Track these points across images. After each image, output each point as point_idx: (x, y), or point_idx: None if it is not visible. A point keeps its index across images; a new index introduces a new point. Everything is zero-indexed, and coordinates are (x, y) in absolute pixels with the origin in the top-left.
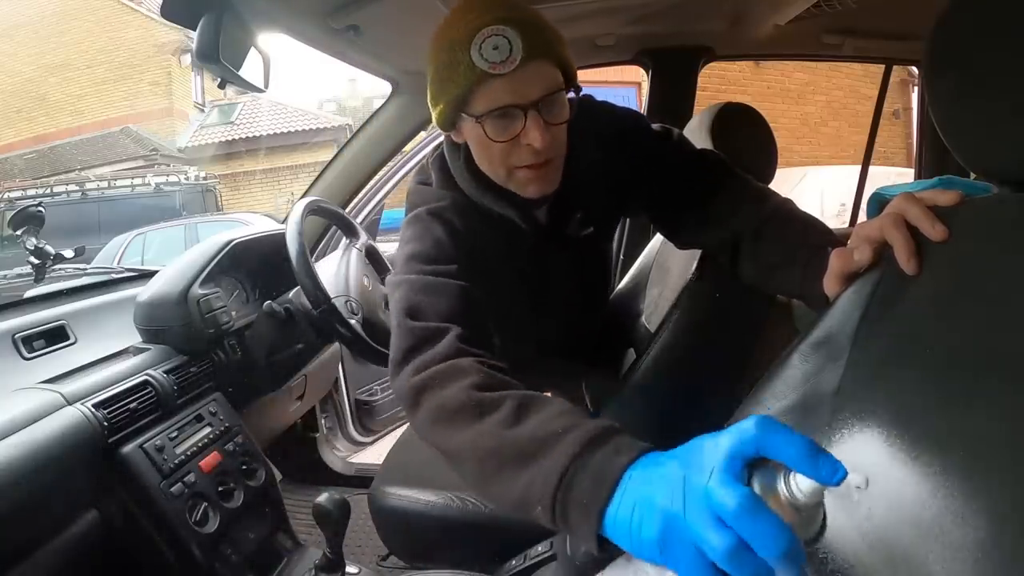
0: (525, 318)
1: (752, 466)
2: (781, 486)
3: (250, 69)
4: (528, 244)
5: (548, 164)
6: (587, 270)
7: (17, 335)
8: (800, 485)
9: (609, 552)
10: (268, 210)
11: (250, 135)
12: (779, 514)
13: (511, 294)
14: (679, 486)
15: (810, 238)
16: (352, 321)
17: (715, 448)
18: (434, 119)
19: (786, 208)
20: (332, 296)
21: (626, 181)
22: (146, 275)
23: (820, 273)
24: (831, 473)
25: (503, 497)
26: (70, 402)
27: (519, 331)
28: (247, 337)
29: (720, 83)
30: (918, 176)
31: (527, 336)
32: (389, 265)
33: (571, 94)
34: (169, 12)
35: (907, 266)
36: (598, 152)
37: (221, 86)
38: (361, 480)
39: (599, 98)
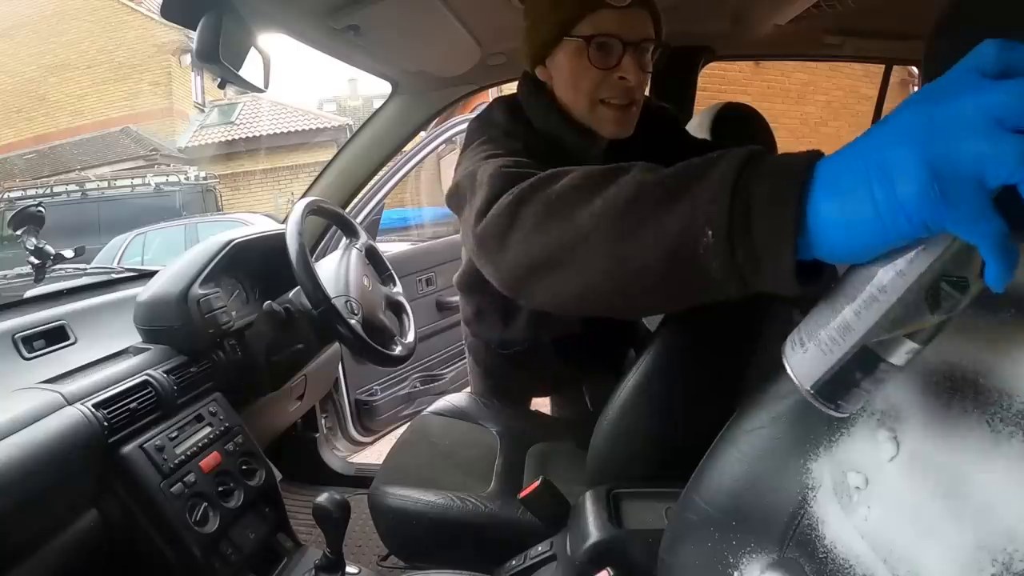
0: None
1: None
2: None
3: (250, 69)
4: None
5: (630, 106)
6: None
7: (17, 335)
8: None
9: (808, 284)
10: (268, 210)
11: (250, 135)
12: None
13: None
14: (933, 117)
15: None
16: (352, 321)
17: (955, 73)
18: (524, 55)
19: None
20: (332, 296)
21: (661, 162)
22: (146, 275)
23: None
24: None
25: (654, 247)
26: (70, 402)
27: None
28: (247, 337)
29: (720, 83)
30: None
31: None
32: (389, 265)
33: None
34: (169, 12)
35: None
36: (645, 133)
37: (221, 86)
38: (361, 480)
39: None
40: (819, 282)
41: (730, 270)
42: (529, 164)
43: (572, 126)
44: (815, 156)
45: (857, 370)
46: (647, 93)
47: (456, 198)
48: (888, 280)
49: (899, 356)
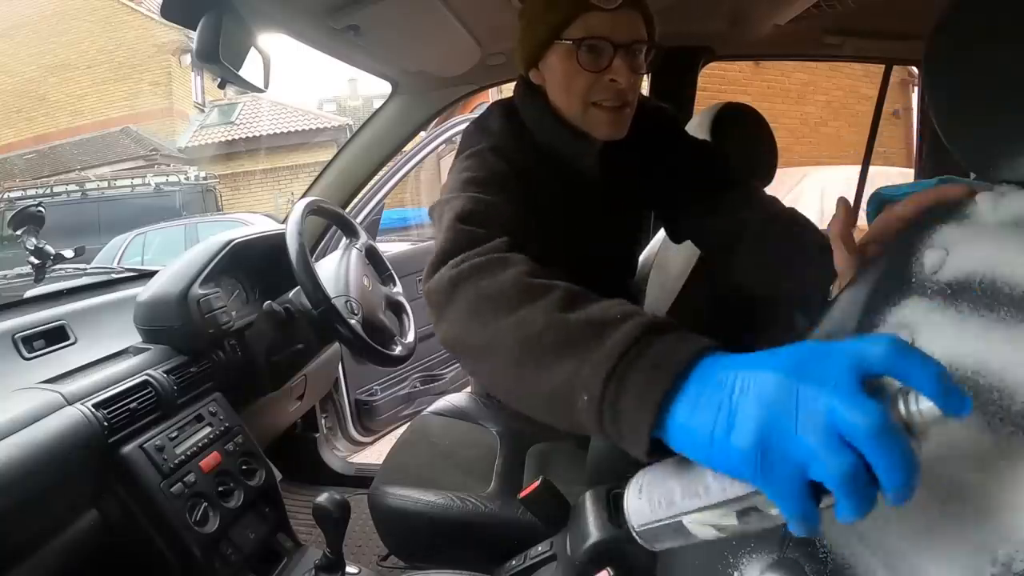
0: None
1: (867, 385)
2: (900, 407)
3: (250, 69)
4: (580, 197)
5: (623, 108)
6: (618, 243)
7: (17, 335)
8: (922, 409)
9: (655, 460)
10: (268, 210)
11: (250, 135)
12: None
13: (551, 243)
14: (790, 394)
15: (815, 239)
16: (352, 321)
17: (833, 359)
18: (518, 58)
19: (791, 211)
20: (332, 296)
21: (653, 166)
22: (146, 275)
23: (822, 273)
24: (960, 404)
25: (543, 386)
26: (70, 402)
27: None
28: (247, 337)
29: (720, 83)
30: (918, 176)
31: None
32: (389, 265)
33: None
34: (169, 12)
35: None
36: (642, 134)
37: (221, 86)
38: (361, 480)
39: None
40: (669, 452)
41: (598, 430)
42: (495, 205)
43: (566, 128)
44: (697, 357)
45: (671, 532)
46: (646, 94)
47: (432, 218)
48: (713, 488)
49: (704, 534)
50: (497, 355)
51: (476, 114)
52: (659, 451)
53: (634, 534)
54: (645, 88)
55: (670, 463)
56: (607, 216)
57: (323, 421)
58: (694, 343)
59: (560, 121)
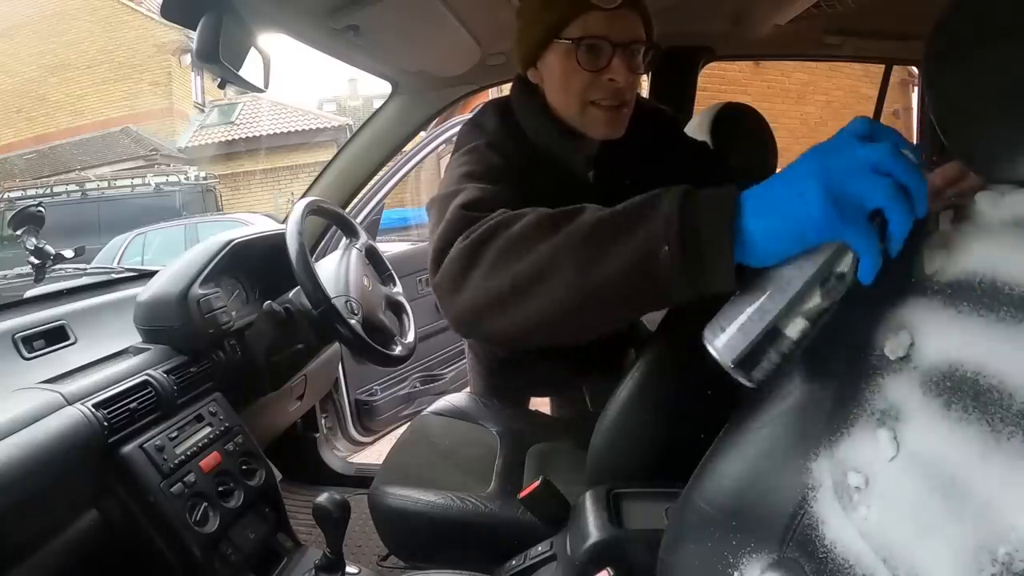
0: None
1: None
2: None
3: (250, 69)
4: (574, 199)
5: (621, 108)
6: None
7: (17, 335)
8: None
9: (741, 280)
10: (268, 210)
11: (250, 135)
12: None
13: None
14: (827, 161)
15: None
16: (352, 321)
17: (834, 141)
18: (516, 57)
19: None
20: (332, 296)
21: (653, 167)
22: (146, 275)
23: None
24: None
25: (615, 265)
26: (70, 402)
27: None
28: (247, 337)
29: (720, 83)
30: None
31: None
32: (389, 265)
33: None
34: (169, 12)
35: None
36: (639, 136)
37: (221, 86)
38: (361, 480)
39: None
40: (742, 281)
41: (682, 275)
42: (497, 194)
43: (562, 128)
44: (738, 189)
45: (768, 345)
46: (646, 94)
47: (430, 213)
48: (793, 272)
49: (796, 331)
50: (552, 270)
51: (470, 116)
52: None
53: (733, 371)
54: (645, 88)
55: (737, 299)
56: None
57: (323, 421)
58: (727, 188)
59: (555, 121)
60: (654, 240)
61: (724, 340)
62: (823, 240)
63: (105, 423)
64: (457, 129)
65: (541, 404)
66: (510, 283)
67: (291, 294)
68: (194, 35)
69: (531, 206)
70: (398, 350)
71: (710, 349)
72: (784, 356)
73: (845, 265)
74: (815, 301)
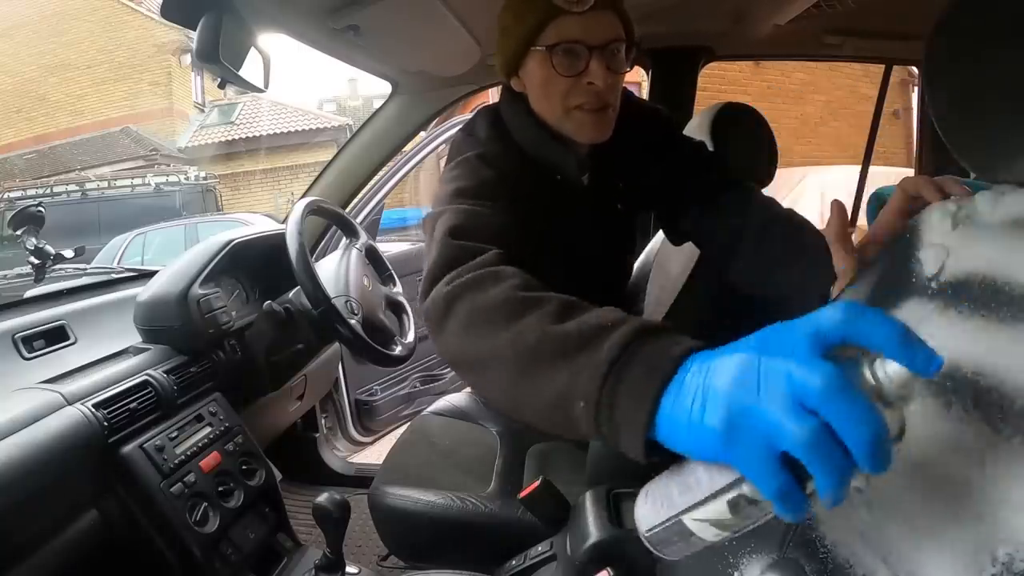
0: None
1: (831, 356)
2: (867, 374)
3: (250, 69)
4: (568, 203)
5: (604, 110)
6: (612, 249)
7: (17, 335)
8: (889, 372)
9: (654, 460)
10: (268, 210)
11: (250, 135)
12: None
13: (541, 251)
14: (752, 369)
15: (814, 240)
16: (352, 321)
17: (793, 332)
18: (498, 66)
19: (790, 212)
20: (332, 296)
21: (650, 165)
22: (146, 275)
23: (822, 274)
24: (927, 361)
25: (541, 395)
26: (70, 402)
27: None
28: (247, 337)
29: (720, 83)
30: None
31: None
32: (389, 265)
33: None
34: (169, 12)
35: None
36: (634, 143)
37: (221, 86)
38: (361, 480)
39: None
40: (665, 453)
41: (595, 434)
42: (485, 215)
43: (549, 134)
44: (686, 355)
45: (676, 536)
46: (646, 95)
47: (424, 232)
48: (702, 478)
49: (708, 536)
50: (494, 369)
51: (463, 123)
52: (656, 453)
53: (645, 541)
54: (645, 89)
55: (673, 468)
56: (596, 221)
57: (323, 421)
58: (684, 343)
59: (543, 127)
60: (575, 389)
61: (642, 509)
62: (725, 461)
63: (105, 423)
64: (457, 128)
65: None
66: (469, 355)
67: (291, 294)
68: (194, 35)
69: (525, 215)
70: (398, 350)
71: (634, 512)
72: (694, 547)
73: (758, 494)
74: (723, 515)
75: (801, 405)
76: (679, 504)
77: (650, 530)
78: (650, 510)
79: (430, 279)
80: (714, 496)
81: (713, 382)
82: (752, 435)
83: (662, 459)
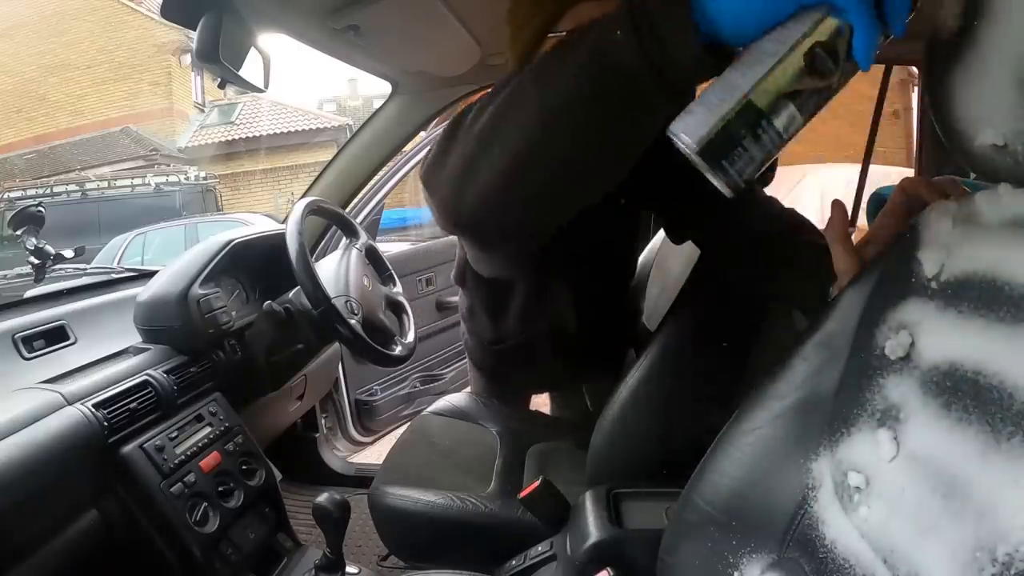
0: (549, 275)
1: None
2: None
3: (250, 69)
4: None
5: None
6: (615, 241)
7: (17, 335)
8: None
9: (717, 60)
10: (268, 210)
11: (250, 135)
12: None
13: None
14: None
15: (814, 240)
16: (352, 321)
17: None
18: (512, 59)
19: (790, 212)
20: (332, 296)
21: (651, 164)
22: (146, 275)
23: (821, 274)
24: None
25: (575, 73)
26: (70, 402)
27: (539, 288)
28: (247, 337)
29: None
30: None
31: (541, 306)
32: (389, 265)
33: None
34: (169, 12)
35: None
36: None
37: (221, 86)
38: (361, 480)
39: None
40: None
41: (642, 61)
42: None
43: None
44: None
45: (740, 125)
46: None
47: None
48: (771, 44)
49: (780, 117)
50: (513, 109)
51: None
52: (713, 54)
53: (697, 160)
54: None
55: (711, 83)
56: (598, 212)
57: (323, 421)
58: None
59: None
60: (605, 31)
61: (687, 121)
62: (802, 2)
63: (105, 423)
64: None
65: (541, 404)
66: (477, 138)
67: (291, 294)
68: (194, 35)
69: None
70: (398, 350)
71: (673, 138)
72: (761, 146)
73: (836, 36)
74: (798, 77)
75: None
76: (745, 83)
77: (704, 137)
78: (701, 114)
79: (430, 151)
80: (788, 53)
81: None
82: None
83: (722, 65)
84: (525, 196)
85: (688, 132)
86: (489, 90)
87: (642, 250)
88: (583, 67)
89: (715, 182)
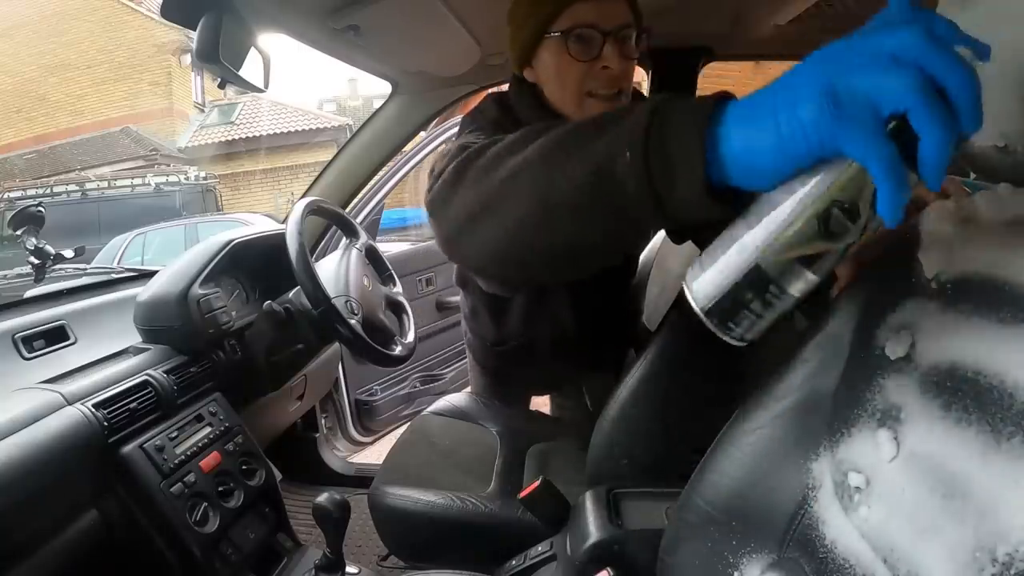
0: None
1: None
2: None
3: (250, 69)
4: None
5: (618, 96)
6: None
7: (17, 335)
8: None
9: (719, 205)
10: (268, 210)
11: (250, 135)
12: None
13: None
14: (828, 55)
15: None
16: (352, 321)
17: (862, 29)
18: (512, 58)
19: None
20: (332, 296)
21: None
22: (146, 275)
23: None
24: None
25: (578, 173)
26: (70, 402)
27: (538, 293)
28: (247, 337)
29: (720, 83)
30: None
31: (543, 309)
32: (389, 265)
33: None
34: (169, 12)
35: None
36: None
37: (221, 86)
38: (361, 480)
39: None
40: (732, 206)
41: (642, 187)
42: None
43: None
44: (728, 94)
45: (748, 290)
46: (646, 92)
47: (430, 178)
48: (783, 201)
49: (792, 282)
50: (518, 181)
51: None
52: (716, 199)
53: (706, 320)
54: (645, 89)
55: (725, 232)
56: None
57: (323, 421)
58: (716, 93)
59: (553, 116)
60: (614, 144)
61: (699, 281)
62: (821, 154)
63: (105, 423)
64: (457, 129)
65: (541, 404)
66: (484, 197)
67: (291, 294)
68: (194, 35)
69: None
70: (398, 350)
71: (687, 292)
72: (772, 309)
73: (856, 192)
74: (811, 240)
75: (896, 62)
76: (754, 244)
77: (713, 299)
78: (712, 274)
79: (437, 173)
80: (800, 212)
81: (796, 79)
82: (858, 104)
83: (723, 211)
84: (523, 260)
85: (697, 290)
86: (503, 135)
87: (642, 250)
88: (588, 177)
89: (722, 336)
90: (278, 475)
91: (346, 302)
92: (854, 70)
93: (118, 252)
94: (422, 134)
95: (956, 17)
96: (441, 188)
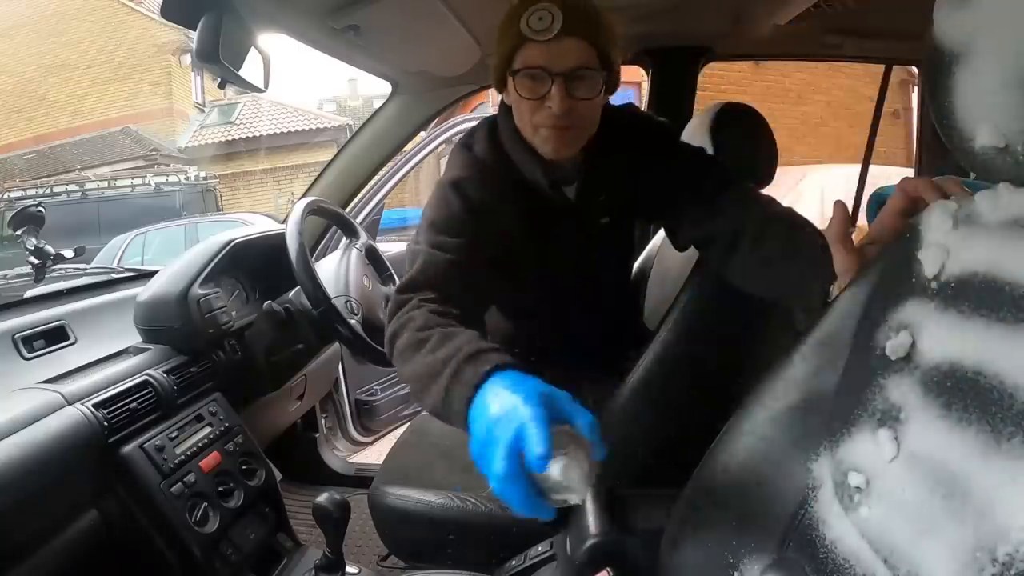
0: (535, 297)
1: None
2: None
3: (250, 69)
4: (550, 220)
5: (568, 130)
6: (601, 262)
7: (17, 335)
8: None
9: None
10: (268, 210)
11: (250, 135)
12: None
13: (525, 269)
14: (506, 411)
15: (814, 240)
16: (352, 321)
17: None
18: (493, 82)
19: (789, 212)
20: (332, 296)
21: (644, 181)
22: (146, 275)
23: (822, 273)
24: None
25: (431, 406)
26: (70, 402)
27: (528, 311)
28: (247, 337)
29: (720, 83)
30: (918, 176)
31: (534, 322)
32: (389, 265)
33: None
34: (169, 12)
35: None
36: (628, 157)
37: (221, 86)
38: (361, 480)
39: None
40: None
41: (448, 412)
42: (442, 257)
43: (531, 153)
44: (487, 375)
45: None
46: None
47: (408, 250)
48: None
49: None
50: (410, 383)
51: (476, 114)
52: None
53: None
54: (645, 88)
55: None
56: (583, 233)
57: (323, 421)
58: (488, 364)
59: (527, 144)
60: (439, 399)
61: None
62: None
63: (105, 423)
64: (457, 128)
65: None
66: (404, 374)
67: (291, 294)
68: (194, 35)
69: (499, 233)
70: None
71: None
72: None
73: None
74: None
75: (514, 456)
76: None
77: None
78: None
79: (391, 309)
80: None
81: (486, 410)
82: (490, 448)
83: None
84: (418, 394)
85: None
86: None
87: (634, 260)
88: (433, 405)
89: None
90: (278, 475)
91: (346, 302)
92: (495, 437)
93: (118, 252)
94: (422, 134)
95: (956, 17)
96: (388, 341)
